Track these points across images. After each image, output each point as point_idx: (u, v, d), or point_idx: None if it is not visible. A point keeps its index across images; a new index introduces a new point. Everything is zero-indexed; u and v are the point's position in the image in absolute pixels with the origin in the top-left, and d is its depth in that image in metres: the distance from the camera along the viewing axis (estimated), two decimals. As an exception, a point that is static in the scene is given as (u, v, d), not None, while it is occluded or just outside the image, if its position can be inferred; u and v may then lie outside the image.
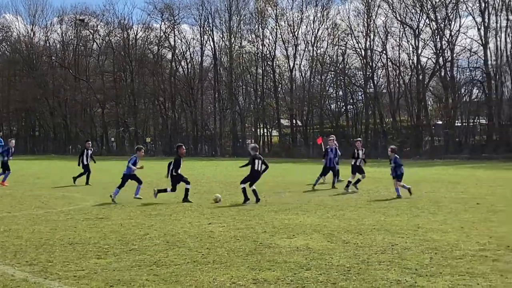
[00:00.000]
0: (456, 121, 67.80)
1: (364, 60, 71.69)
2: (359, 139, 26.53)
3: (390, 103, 71.36)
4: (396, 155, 21.34)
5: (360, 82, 74.86)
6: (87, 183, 27.50)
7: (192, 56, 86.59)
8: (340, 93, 77.63)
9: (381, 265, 9.67)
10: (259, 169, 19.78)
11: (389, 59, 71.12)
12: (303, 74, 78.94)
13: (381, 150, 66.41)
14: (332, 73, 76.61)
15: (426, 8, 66.48)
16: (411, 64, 69.41)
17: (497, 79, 63.44)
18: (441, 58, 66.52)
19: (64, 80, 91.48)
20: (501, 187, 24.88)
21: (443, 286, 8.39)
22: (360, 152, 24.29)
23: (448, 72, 66.75)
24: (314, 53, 76.05)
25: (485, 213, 16.19)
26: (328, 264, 9.81)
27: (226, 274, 9.22)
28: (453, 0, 64.84)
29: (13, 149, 29.66)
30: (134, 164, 20.95)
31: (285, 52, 78.31)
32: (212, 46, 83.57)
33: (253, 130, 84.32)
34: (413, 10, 67.91)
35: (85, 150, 28.93)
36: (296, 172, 38.27)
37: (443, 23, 66.02)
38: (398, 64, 70.89)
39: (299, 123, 79.54)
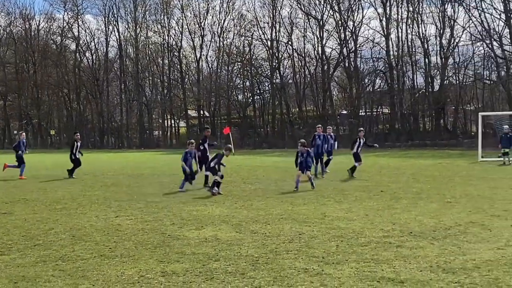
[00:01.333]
0: (360, 111, 69.26)
1: (270, 50, 72.22)
2: (362, 129, 27.33)
3: (296, 93, 72.24)
4: (307, 148, 21.25)
5: (267, 72, 75.39)
6: (70, 175, 26.92)
7: (97, 47, 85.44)
8: (247, 83, 77.97)
9: (289, 254, 9.77)
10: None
11: (294, 50, 71.92)
12: (210, 65, 79.07)
13: (287, 139, 67.21)
14: (239, 64, 76.84)
15: (330, -1, 67.46)
16: (316, 54, 70.46)
17: (399, 69, 65.11)
18: (345, 49, 67.74)
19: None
20: (404, 175, 25.56)
21: (349, 273, 8.55)
22: (362, 141, 25.29)
23: (352, 63, 68.08)
24: (221, 44, 76.19)
25: (388, 200, 16.59)
26: (236, 254, 9.85)
27: (134, 267, 9.13)
28: (356, -9, 66.10)
29: (24, 141, 29.13)
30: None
31: (192, 43, 78.12)
32: (118, 37, 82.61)
33: (161, 121, 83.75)
34: (317, 1, 68.80)
35: (75, 143, 27.92)
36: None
37: (346, 14, 67.18)
38: (303, 55, 71.77)
39: (207, 113, 79.52)
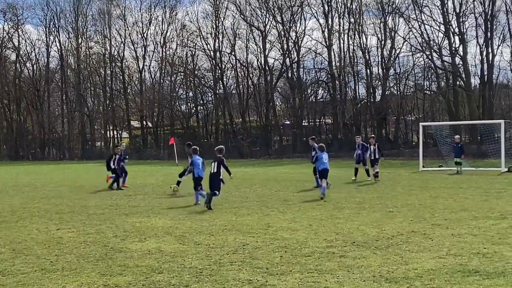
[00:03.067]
0: (303, 121, 69.65)
1: (214, 61, 72.15)
2: (373, 135, 29.98)
3: (240, 103, 72.26)
4: (316, 146, 20.64)
5: (210, 83, 75.26)
6: (110, 186, 26.29)
7: (37, 57, 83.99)
8: (190, 94, 77.71)
9: (233, 266, 9.75)
10: (214, 171, 18.98)
11: (237, 61, 71.97)
12: (153, 75, 78.51)
13: (231, 150, 67.16)
14: (182, 74, 76.50)
15: (272, 10, 67.75)
16: (259, 65, 70.62)
17: (341, 80, 65.79)
18: (287, 59, 68.10)
19: None
20: (346, 185, 25.77)
21: (293, 283, 8.57)
22: (373, 147, 27.64)
23: (295, 73, 68.45)
24: (164, 54, 75.81)
25: (331, 210, 16.71)
26: (180, 266, 9.79)
27: (75, 281, 8.99)
28: (298, 2, 66.51)
29: (123, 152, 28.17)
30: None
31: (134, 53, 77.53)
32: (59, 47, 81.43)
33: (103, 132, 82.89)
34: (259, 12, 69.06)
35: (114, 155, 27.43)
36: (148, 173, 37.96)
37: (288, 25, 67.59)
38: (246, 65, 71.82)
39: (150, 124, 79.02)
